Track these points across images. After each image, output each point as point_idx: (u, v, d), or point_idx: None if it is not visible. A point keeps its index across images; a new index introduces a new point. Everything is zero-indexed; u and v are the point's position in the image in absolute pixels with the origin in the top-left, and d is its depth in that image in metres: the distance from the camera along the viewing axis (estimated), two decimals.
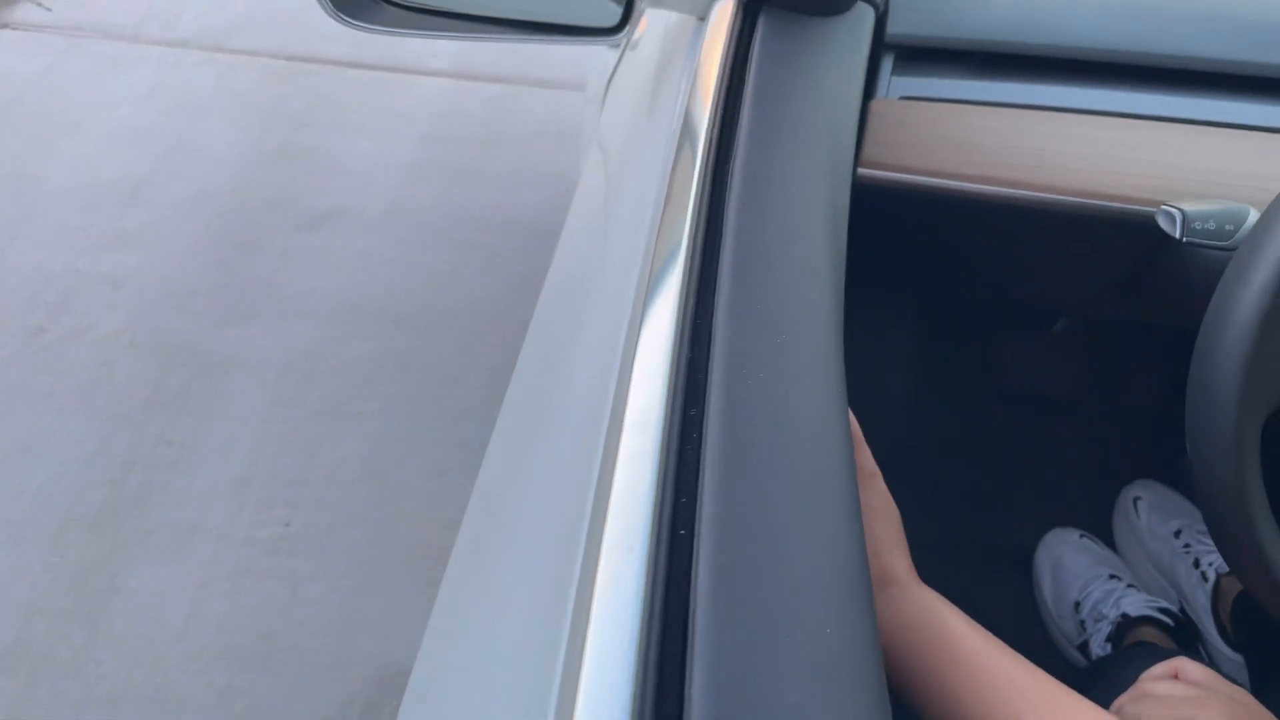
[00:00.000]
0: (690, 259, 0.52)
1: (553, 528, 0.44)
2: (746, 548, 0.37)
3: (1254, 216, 0.65)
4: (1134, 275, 0.77)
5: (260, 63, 2.63)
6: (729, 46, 0.71)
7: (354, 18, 0.67)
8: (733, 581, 0.36)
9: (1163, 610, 1.11)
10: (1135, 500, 1.19)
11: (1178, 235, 0.64)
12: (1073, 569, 1.17)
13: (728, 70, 0.69)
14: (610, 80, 1.15)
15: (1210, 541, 1.08)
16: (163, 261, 2.02)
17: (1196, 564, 1.10)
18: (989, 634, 0.57)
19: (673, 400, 0.44)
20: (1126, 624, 1.10)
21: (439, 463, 1.70)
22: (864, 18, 0.79)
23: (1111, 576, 1.15)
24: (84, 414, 1.72)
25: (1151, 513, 1.16)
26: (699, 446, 0.42)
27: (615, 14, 0.73)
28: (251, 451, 1.68)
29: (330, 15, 0.67)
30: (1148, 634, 1.10)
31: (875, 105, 0.83)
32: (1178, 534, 1.13)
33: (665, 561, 0.37)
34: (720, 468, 0.40)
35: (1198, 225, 0.64)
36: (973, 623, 0.58)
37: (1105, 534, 1.24)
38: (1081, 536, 1.20)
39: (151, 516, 1.58)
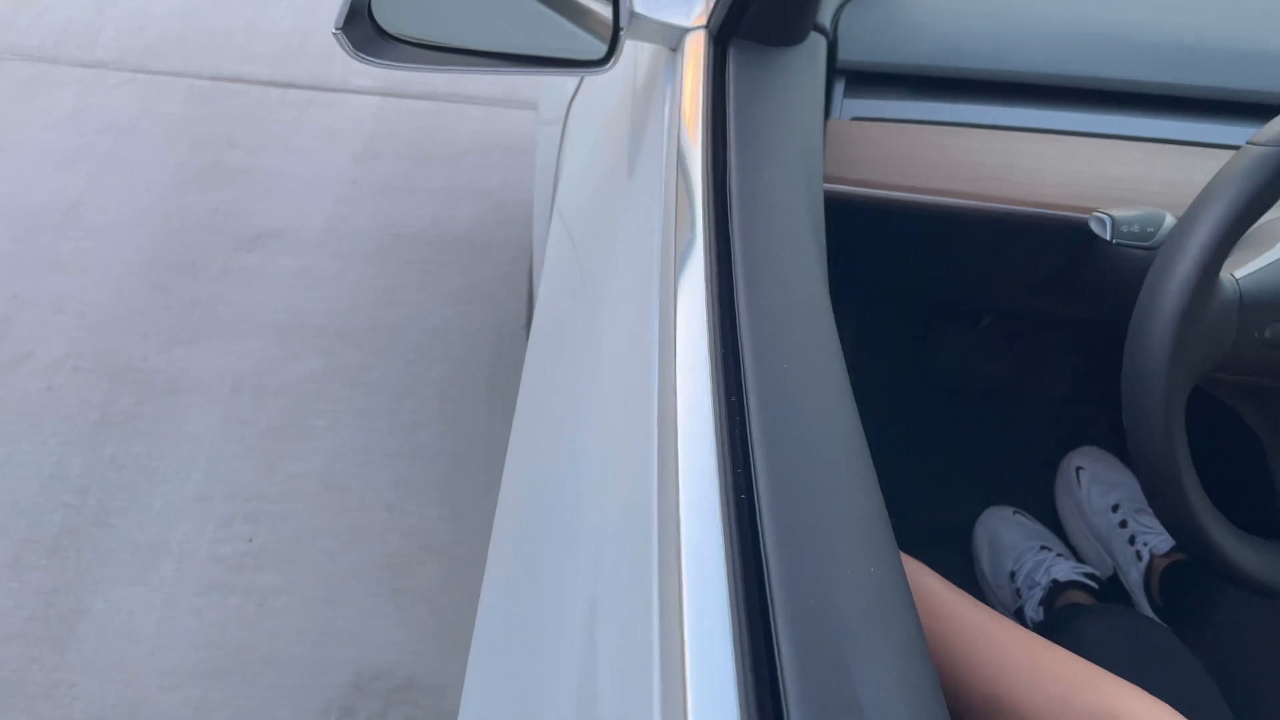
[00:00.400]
0: (709, 269, 0.60)
1: (624, 501, 0.51)
2: (798, 506, 0.45)
3: (1170, 220, 0.76)
4: (1066, 274, 0.88)
5: (184, 83, 2.62)
6: (707, 76, 0.79)
7: (374, 56, 0.73)
8: (791, 535, 0.44)
9: (1088, 575, 1.22)
10: (1078, 470, 1.31)
11: (1108, 237, 0.75)
12: (1008, 542, 1.28)
13: (710, 99, 0.77)
14: (571, 104, 1.22)
15: (1147, 521, 1.20)
16: (102, 285, 2.02)
17: (1132, 541, 1.22)
18: (963, 591, 0.66)
19: (716, 389, 0.51)
20: (1056, 589, 1.22)
21: (396, 474, 1.74)
22: (818, 46, 0.88)
23: (1042, 548, 1.26)
24: (33, 440, 1.72)
25: (1092, 484, 1.28)
26: (744, 425, 0.49)
27: (602, 48, 0.81)
28: (208, 470, 1.70)
29: (350, 55, 0.73)
30: (1076, 597, 1.21)
31: (831, 125, 0.92)
32: (1115, 508, 1.25)
33: (735, 523, 0.45)
34: (765, 441, 0.48)
35: (1124, 229, 0.74)
36: (947, 582, 0.67)
37: (1039, 506, 1.35)
38: (1015, 513, 1.32)
39: (112, 538, 1.59)
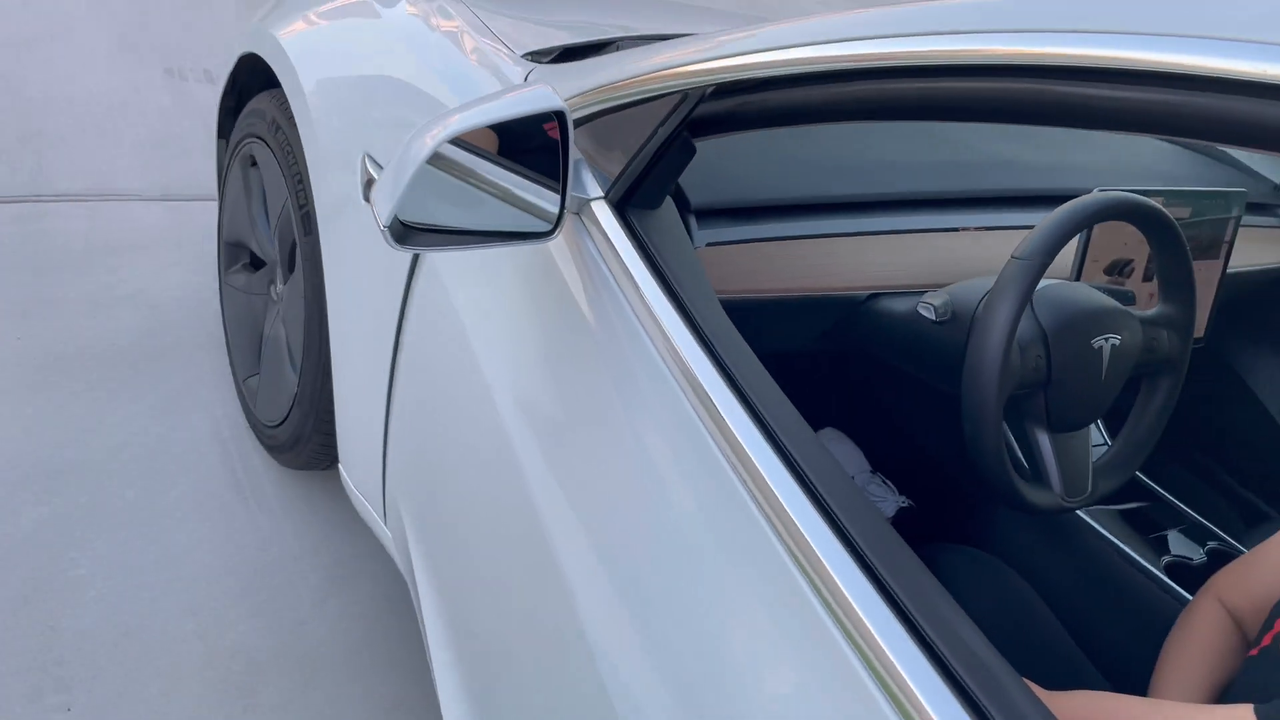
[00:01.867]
0: (705, 357, 0.88)
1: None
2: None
3: (985, 280, 1.20)
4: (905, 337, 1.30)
5: None
6: (628, 235, 1.03)
7: (408, 244, 0.96)
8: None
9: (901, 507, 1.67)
10: None
11: (934, 319, 1.18)
12: (843, 454, 1.69)
13: (635, 251, 1.01)
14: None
15: (874, 489, 1.68)
16: None
17: None
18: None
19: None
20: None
21: (187, 599, 1.73)
22: (671, 206, 1.17)
23: (872, 472, 1.69)
24: None
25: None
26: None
27: (548, 225, 1.04)
28: None
29: (392, 246, 0.94)
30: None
31: (698, 254, 1.24)
32: (851, 479, 1.71)
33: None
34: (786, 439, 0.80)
35: (941, 306, 1.18)
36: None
37: None
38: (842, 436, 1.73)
39: None
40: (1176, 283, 1.27)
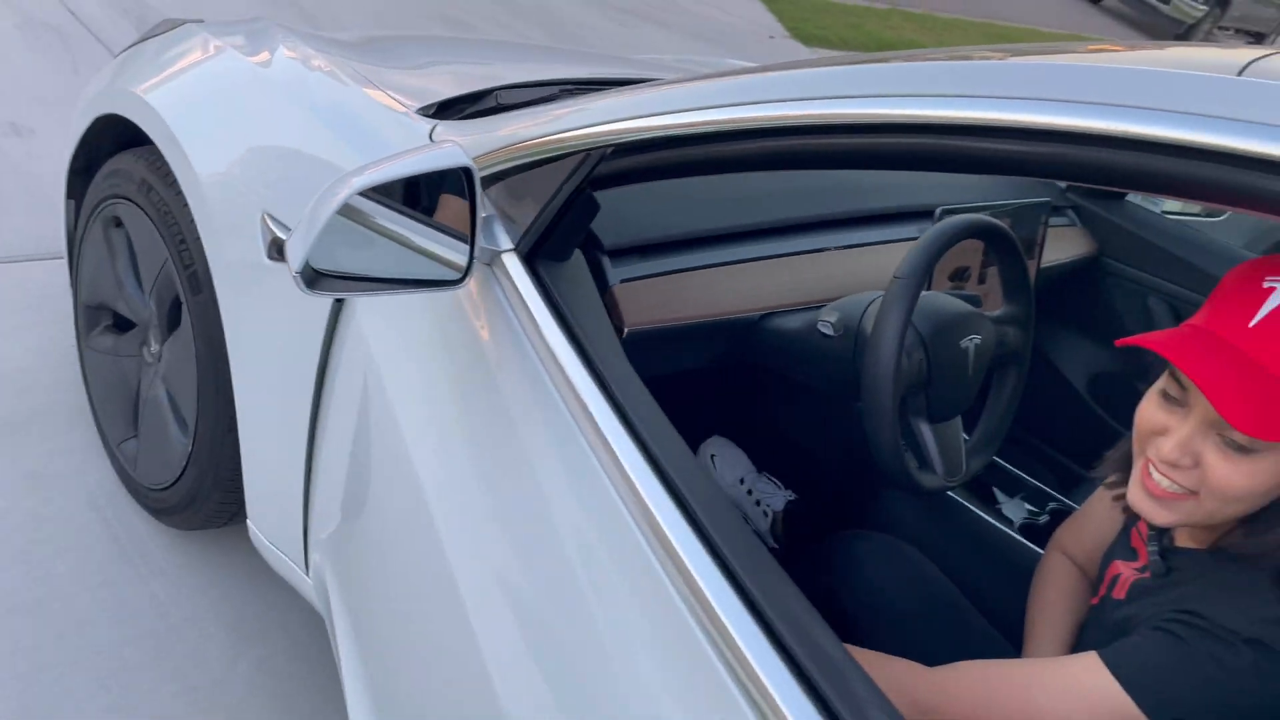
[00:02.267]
0: (602, 397, 0.99)
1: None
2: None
3: (865, 295, 1.37)
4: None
5: None
6: (535, 285, 1.12)
7: (318, 289, 1.03)
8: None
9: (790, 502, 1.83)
10: (712, 456, 1.89)
11: (831, 334, 1.34)
12: (732, 457, 1.83)
13: (541, 300, 1.10)
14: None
15: (763, 487, 1.84)
16: None
17: (759, 503, 1.84)
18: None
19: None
20: (778, 518, 1.80)
21: (95, 671, 1.69)
22: (580, 259, 1.23)
23: (760, 472, 1.84)
24: None
25: (723, 465, 1.88)
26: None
27: (457, 274, 1.11)
28: None
29: (303, 290, 1.02)
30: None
31: (614, 291, 1.36)
32: (741, 481, 1.86)
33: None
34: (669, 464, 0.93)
35: (836, 323, 1.34)
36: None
37: None
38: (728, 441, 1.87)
39: None
40: (1017, 286, 1.49)
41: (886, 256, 1.53)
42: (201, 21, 1.95)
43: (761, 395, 1.89)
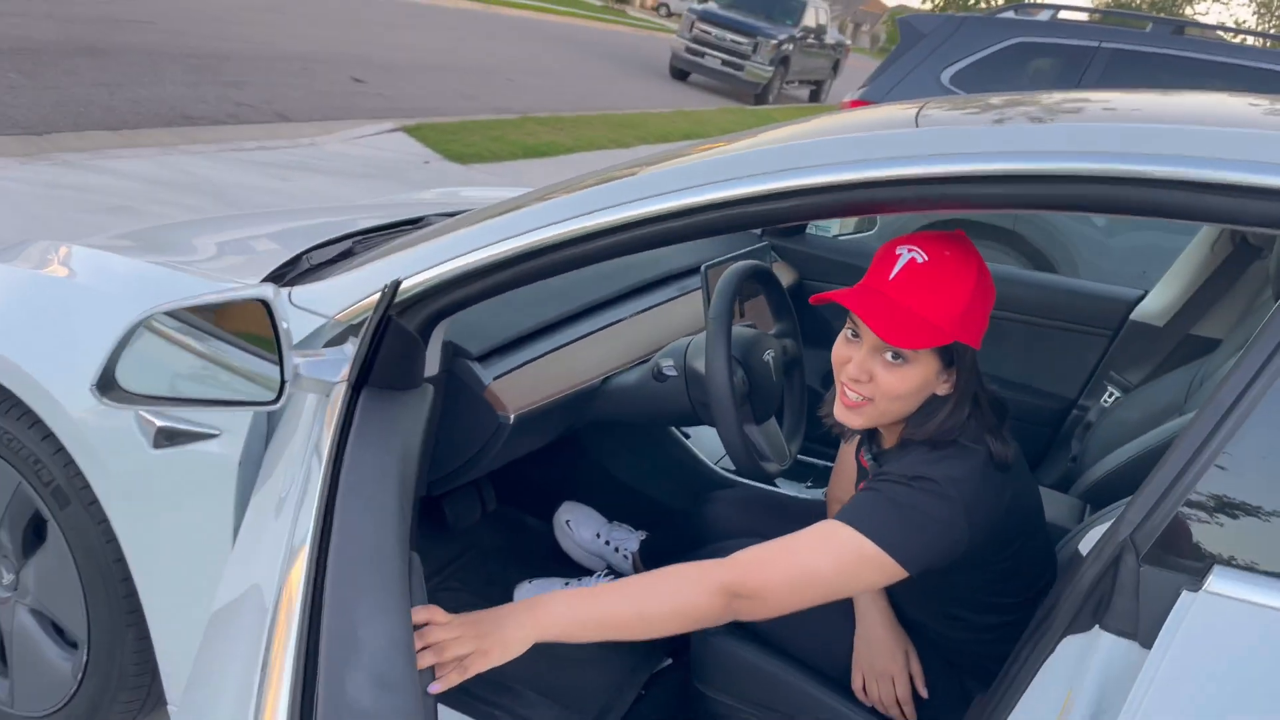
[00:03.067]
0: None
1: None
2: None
3: (683, 340, 1.71)
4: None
5: None
6: (342, 415, 1.24)
7: (113, 399, 1.23)
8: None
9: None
10: (566, 522, 2.14)
11: (673, 375, 1.67)
12: (585, 515, 2.11)
13: (338, 433, 1.23)
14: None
15: (617, 535, 2.12)
16: None
17: (617, 550, 2.11)
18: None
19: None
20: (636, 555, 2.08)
21: None
22: (427, 390, 1.40)
23: (613, 521, 2.09)
24: None
25: (579, 526, 2.13)
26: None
27: (271, 395, 1.26)
28: None
29: (98, 400, 1.22)
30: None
31: (490, 389, 1.60)
32: (598, 535, 2.12)
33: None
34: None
35: (673, 365, 1.68)
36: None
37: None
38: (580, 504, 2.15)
39: None
40: (782, 307, 1.91)
41: (683, 307, 1.92)
42: None
43: (604, 453, 2.19)
